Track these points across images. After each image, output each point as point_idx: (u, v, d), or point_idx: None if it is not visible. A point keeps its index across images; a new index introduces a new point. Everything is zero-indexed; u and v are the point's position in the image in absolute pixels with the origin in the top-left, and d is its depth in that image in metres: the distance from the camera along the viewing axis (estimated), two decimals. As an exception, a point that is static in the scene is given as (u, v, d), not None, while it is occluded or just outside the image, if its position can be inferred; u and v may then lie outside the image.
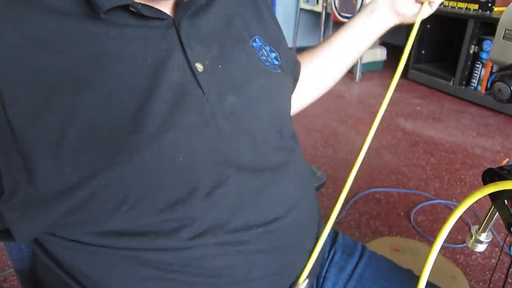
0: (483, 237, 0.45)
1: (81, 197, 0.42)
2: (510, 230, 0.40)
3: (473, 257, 1.56)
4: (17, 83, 0.39)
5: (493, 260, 1.54)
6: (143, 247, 0.47)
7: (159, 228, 0.46)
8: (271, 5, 4.26)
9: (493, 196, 0.41)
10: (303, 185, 0.61)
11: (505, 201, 0.40)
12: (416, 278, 0.39)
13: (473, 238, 0.46)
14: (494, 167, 0.42)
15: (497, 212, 0.42)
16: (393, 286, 0.67)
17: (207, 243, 0.48)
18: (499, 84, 0.59)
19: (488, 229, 0.45)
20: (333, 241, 0.75)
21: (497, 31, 0.64)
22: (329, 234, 0.76)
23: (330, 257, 0.72)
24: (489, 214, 0.44)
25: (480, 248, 0.46)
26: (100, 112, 0.41)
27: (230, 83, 0.51)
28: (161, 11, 0.47)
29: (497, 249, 1.59)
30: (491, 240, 0.44)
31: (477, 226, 0.46)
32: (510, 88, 0.57)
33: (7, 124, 0.40)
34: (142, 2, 0.45)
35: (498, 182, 0.33)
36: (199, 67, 0.48)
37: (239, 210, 0.49)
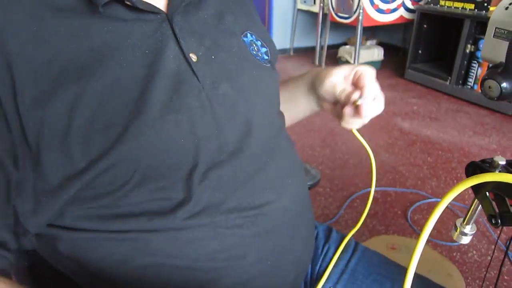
0: (467, 229, 0.46)
1: (87, 180, 0.45)
2: (492, 221, 0.41)
3: (469, 254, 1.57)
4: (26, 76, 0.42)
5: (489, 258, 1.55)
6: (141, 229, 0.48)
7: (157, 207, 0.49)
8: (269, 6, 4.28)
9: (475, 189, 0.42)
10: (295, 174, 0.63)
11: (487, 193, 0.41)
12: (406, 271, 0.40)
13: (458, 231, 0.47)
14: (476, 161, 0.43)
15: (478, 208, 0.43)
16: (385, 280, 0.69)
17: (202, 223, 0.50)
18: (489, 82, 0.59)
19: (472, 221, 0.46)
20: (326, 237, 0.76)
21: (488, 29, 0.65)
22: (323, 230, 0.78)
23: (324, 252, 0.74)
24: (472, 207, 0.45)
25: (465, 240, 0.47)
26: (105, 98, 0.44)
27: (223, 72, 0.54)
28: (154, 6, 0.50)
29: (493, 246, 1.60)
30: (487, 238, 0.45)
31: (461, 219, 0.47)
32: (500, 86, 0.58)
33: (17, 115, 0.42)
34: None
35: (479, 174, 0.34)
36: (193, 57, 0.51)
37: (233, 192, 0.52)
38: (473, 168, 0.43)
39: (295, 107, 0.76)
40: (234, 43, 0.58)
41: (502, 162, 0.41)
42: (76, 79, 0.43)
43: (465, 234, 0.46)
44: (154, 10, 0.49)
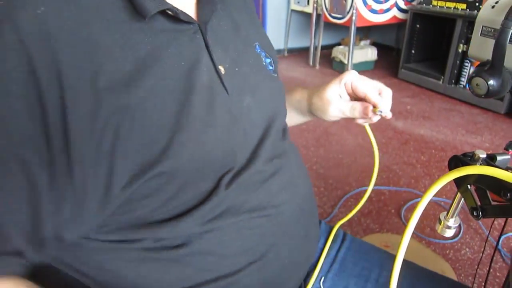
0: (451, 222, 0.47)
1: (128, 195, 0.44)
2: (474, 214, 0.42)
3: (462, 252, 1.58)
4: (76, 85, 0.39)
5: (482, 255, 1.56)
6: (166, 236, 0.49)
7: (184, 212, 0.49)
8: (262, 7, 4.29)
9: (458, 182, 0.43)
10: (302, 174, 0.66)
11: (469, 186, 0.42)
12: (394, 257, 0.41)
13: (442, 224, 0.48)
14: (458, 154, 0.44)
15: (461, 202, 0.44)
16: (374, 266, 0.72)
17: (226, 224, 0.51)
18: (476, 79, 0.60)
19: (455, 214, 0.47)
20: None
21: (475, 27, 0.66)
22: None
23: None
24: (455, 200, 0.46)
25: (449, 233, 0.48)
26: (148, 111, 0.43)
27: (246, 84, 0.55)
28: (189, 15, 0.49)
29: (486, 244, 1.62)
30: (480, 235, 0.46)
31: (445, 213, 0.48)
32: (487, 83, 0.59)
33: (63, 128, 0.39)
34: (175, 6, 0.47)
35: (460, 167, 0.35)
36: (222, 69, 0.51)
37: (255, 191, 0.54)
38: (455, 162, 0.44)
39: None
40: (250, 55, 0.59)
41: (483, 155, 0.42)
42: (121, 89, 0.41)
43: (449, 227, 0.47)
44: (190, 20, 0.49)
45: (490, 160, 0.43)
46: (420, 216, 0.40)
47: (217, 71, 0.50)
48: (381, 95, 0.66)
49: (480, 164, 0.42)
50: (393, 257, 0.40)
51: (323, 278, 0.70)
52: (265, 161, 0.56)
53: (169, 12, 0.46)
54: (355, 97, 0.69)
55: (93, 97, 0.40)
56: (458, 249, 1.60)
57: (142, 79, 0.43)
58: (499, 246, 1.58)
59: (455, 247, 1.61)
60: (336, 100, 0.68)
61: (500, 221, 1.64)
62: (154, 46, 0.45)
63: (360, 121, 0.70)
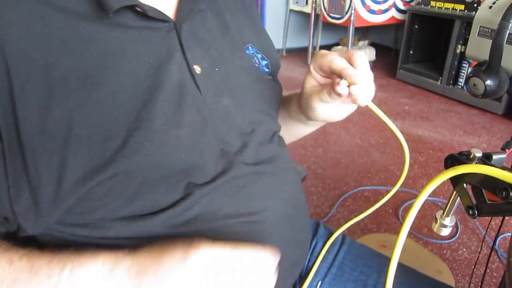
0: (447, 221, 0.47)
1: (83, 192, 0.43)
2: (469, 212, 0.42)
3: (459, 252, 1.59)
4: (26, 77, 0.40)
5: (478, 255, 1.57)
6: (133, 236, 0.47)
7: (150, 213, 0.48)
8: (261, 7, 4.29)
9: (454, 181, 0.43)
10: (289, 178, 0.63)
11: (465, 185, 0.42)
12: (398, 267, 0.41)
13: (438, 223, 0.48)
14: (454, 153, 0.44)
15: (457, 201, 0.44)
16: (372, 271, 0.70)
17: (199, 230, 0.49)
18: (474, 79, 0.61)
19: (451, 213, 0.47)
20: (314, 232, 0.77)
21: (473, 28, 0.66)
22: (311, 225, 0.79)
23: (312, 247, 0.74)
24: (451, 199, 0.46)
25: (445, 232, 0.48)
26: (106, 107, 0.43)
27: (226, 86, 0.54)
28: (163, 13, 0.49)
29: (483, 244, 1.62)
30: (477, 236, 0.47)
31: (441, 211, 0.48)
32: (484, 83, 0.59)
33: (14, 119, 0.40)
34: (147, 3, 0.47)
35: (456, 166, 0.35)
36: (197, 69, 0.50)
37: (232, 197, 0.51)
38: (451, 161, 0.44)
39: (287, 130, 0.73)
40: (237, 56, 0.58)
41: (479, 154, 0.43)
42: (77, 85, 0.42)
43: (445, 226, 0.47)
44: (163, 18, 0.48)
45: (486, 159, 0.43)
46: (418, 216, 0.40)
47: (191, 71, 0.49)
48: (352, 63, 0.50)
49: (476, 163, 0.42)
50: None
51: (320, 282, 0.69)
52: (246, 166, 0.53)
53: (138, 9, 0.46)
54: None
55: (45, 90, 0.40)
56: (455, 249, 1.60)
57: (101, 75, 0.43)
58: (496, 246, 1.58)
59: (452, 247, 1.61)
60: (316, 93, 0.55)
61: (497, 221, 1.64)
62: (119, 42, 0.45)
63: (345, 101, 0.54)
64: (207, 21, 0.55)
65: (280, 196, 0.58)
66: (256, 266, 0.43)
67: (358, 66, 0.48)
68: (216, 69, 0.53)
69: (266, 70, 0.63)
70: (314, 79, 0.56)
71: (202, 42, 0.53)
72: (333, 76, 0.50)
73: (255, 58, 0.62)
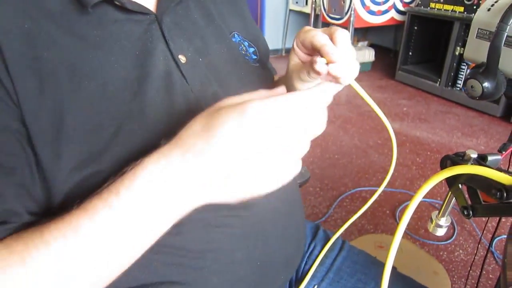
0: (442, 221, 0.47)
1: (77, 181, 0.43)
2: (464, 213, 0.42)
3: (456, 253, 1.59)
4: (18, 69, 0.41)
5: (476, 257, 1.57)
6: None
7: None
8: (261, 7, 4.29)
9: (449, 181, 0.43)
10: None
11: (460, 185, 0.42)
12: (393, 272, 0.40)
13: (433, 223, 0.48)
14: (450, 154, 0.44)
15: (452, 201, 0.44)
16: (370, 279, 0.69)
17: (192, 218, 0.49)
18: (471, 81, 0.61)
19: (446, 214, 0.47)
20: (313, 235, 0.77)
21: (471, 30, 0.66)
22: (310, 228, 0.78)
23: (310, 250, 0.74)
24: (447, 199, 0.46)
25: (440, 232, 0.48)
26: (97, 99, 0.44)
27: (213, 74, 0.54)
28: (143, 6, 0.49)
29: (479, 246, 1.63)
30: (474, 238, 0.47)
31: (437, 212, 0.48)
32: (482, 85, 0.59)
33: (19, 111, 0.40)
34: None
35: (452, 167, 0.35)
36: (182, 58, 0.51)
37: None
38: (447, 162, 0.44)
39: None
40: (223, 44, 0.58)
41: (474, 155, 0.43)
42: (67, 78, 0.43)
43: (440, 226, 0.47)
44: (143, 11, 0.49)
45: (481, 160, 0.43)
46: (414, 218, 0.41)
47: (175, 60, 0.50)
48: (333, 40, 0.46)
49: (471, 164, 0.42)
50: (392, 272, 0.40)
51: (316, 286, 0.69)
52: None
53: (116, 2, 0.47)
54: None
55: (36, 83, 0.41)
56: (452, 251, 1.60)
57: (89, 68, 0.44)
58: (492, 248, 1.59)
59: (449, 249, 1.61)
60: (296, 71, 0.54)
61: (493, 223, 1.65)
62: (104, 37, 0.46)
63: (326, 81, 0.49)
64: (189, 11, 0.56)
65: (272, 191, 0.57)
66: (308, 105, 0.38)
67: (339, 43, 0.45)
68: (201, 59, 0.53)
69: (254, 57, 0.63)
70: (297, 57, 0.54)
71: (185, 32, 0.53)
72: (314, 53, 0.47)
73: (242, 45, 0.62)
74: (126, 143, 0.44)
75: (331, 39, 0.46)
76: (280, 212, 0.59)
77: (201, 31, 0.56)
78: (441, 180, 0.38)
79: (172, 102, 0.48)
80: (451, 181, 0.42)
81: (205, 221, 0.51)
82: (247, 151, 0.36)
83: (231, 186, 0.38)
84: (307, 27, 0.50)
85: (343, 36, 0.45)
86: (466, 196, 0.43)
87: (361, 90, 0.48)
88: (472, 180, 0.39)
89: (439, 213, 0.47)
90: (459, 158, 0.43)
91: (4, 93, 0.40)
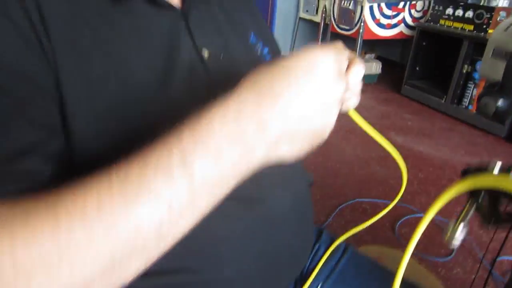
0: (459, 231, 0.47)
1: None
2: (486, 222, 0.41)
3: (454, 271, 1.58)
4: (60, 46, 0.41)
5: (473, 276, 1.56)
6: None
7: None
8: (271, 13, 4.31)
9: (471, 192, 0.42)
10: (300, 173, 0.65)
11: (480, 194, 0.42)
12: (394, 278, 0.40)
13: (449, 233, 0.47)
14: (471, 167, 0.44)
15: (472, 209, 0.44)
16: (373, 283, 0.70)
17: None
18: (486, 99, 0.61)
19: (464, 223, 0.47)
20: (317, 237, 0.78)
21: (486, 48, 0.67)
22: (314, 231, 0.79)
23: (314, 251, 0.75)
24: (465, 209, 0.46)
25: (456, 241, 0.47)
26: (125, 83, 0.45)
27: (232, 71, 0.55)
28: (170, 2, 0.51)
29: (478, 265, 1.62)
30: (473, 257, 0.46)
31: (454, 221, 0.47)
32: (496, 104, 0.59)
33: (56, 87, 0.41)
34: None
35: (477, 176, 0.35)
36: (206, 54, 0.53)
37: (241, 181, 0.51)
38: (468, 173, 0.44)
39: None
40: (241, 43, 0.60)
41: (497, 167, 0.42)
42: (100, 60, 0.44)
43: (456, 237, 0.47)
44: (171, 5, 0.51)
45: (505, 172, 0.43)
46: (413, 232, 0.40)
47: (200, 54, 0.52)
48: (349, 67, 0.48)
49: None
50: (393, 276, 0.40)
51: (320, 285, 0.69)
52: None
53: None
54: None
55: (77, 57, 0.42)
56: (450, 268, 1.60)
57: (121, 54, 0.45)
58: (492, 269, 1.58)
59: (447, 266, 1.61)
60: None
61: (495, 244, 1.64)
62: (133, 29, 0.48)
63: None
64: (211, 9, 0.58)
65: (288, 186, 0.59)
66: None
67: (352, 75, 0.46)
68: (222, 55, 0.55)
69: (269, 56, 0.65)
70: None
71: (209, 29, 0.55)
72: None
73: (258, 45, 0.64)
74: (150, 130, 0.44)
75: (348, 65, 0.46)
76: (294, 209, 0.61)
77: (222, 28, 0.58)
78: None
79: (195, 96, 0.49)
80: (473, 192, 0.42)
81: (225, 210, 0.50)
82: (327, 95, 0.40)
83: (299, 139, 0.41)
84: (340, 44, 0.50)
85: (359, 70, 0.46)
86: (486, 204, 0.42)
87: (362, 121, 0.53)
88: (493, 190, 0.39)
89: (457, 221, 0.46)
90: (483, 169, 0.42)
91: (44, 58, 0.40)
